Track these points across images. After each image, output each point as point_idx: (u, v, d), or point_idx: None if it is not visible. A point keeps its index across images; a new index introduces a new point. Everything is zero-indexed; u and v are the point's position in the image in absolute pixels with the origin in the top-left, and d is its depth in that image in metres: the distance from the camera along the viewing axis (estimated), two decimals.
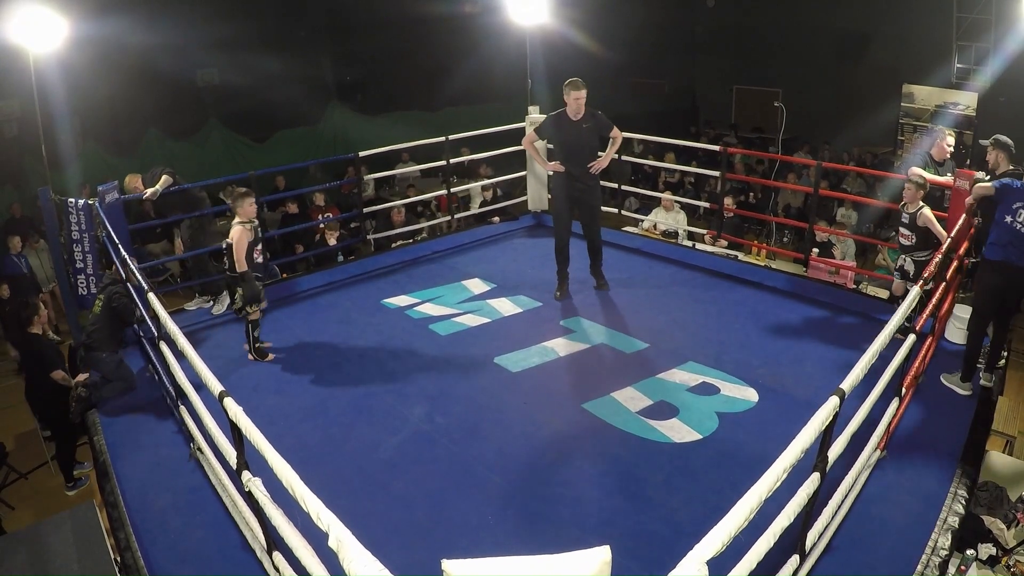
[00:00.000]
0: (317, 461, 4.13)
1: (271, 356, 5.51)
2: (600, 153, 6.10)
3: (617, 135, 6.06)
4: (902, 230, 5.36)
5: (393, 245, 7.98)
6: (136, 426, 4.79)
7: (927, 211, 5.18)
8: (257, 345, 5.44)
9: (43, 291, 9.01)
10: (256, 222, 5.35)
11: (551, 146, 6.49)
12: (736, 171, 11.05)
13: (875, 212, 9.89)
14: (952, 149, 5.75)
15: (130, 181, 6.46)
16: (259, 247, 5.39)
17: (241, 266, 5.14)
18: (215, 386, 3.07)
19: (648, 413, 4.58)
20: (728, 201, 8.12)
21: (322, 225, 8.32)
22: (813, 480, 2.82)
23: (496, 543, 3.52)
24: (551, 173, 6.24)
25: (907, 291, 5.32)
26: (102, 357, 5.09)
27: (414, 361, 5.37)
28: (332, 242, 7.93)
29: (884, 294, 7.06)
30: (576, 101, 5.78)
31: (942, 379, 4.83)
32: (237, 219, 5.25)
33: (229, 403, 2.92)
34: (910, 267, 5.35)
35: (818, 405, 2.77)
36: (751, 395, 4.75)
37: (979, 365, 4.81)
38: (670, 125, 14.03)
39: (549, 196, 8.53)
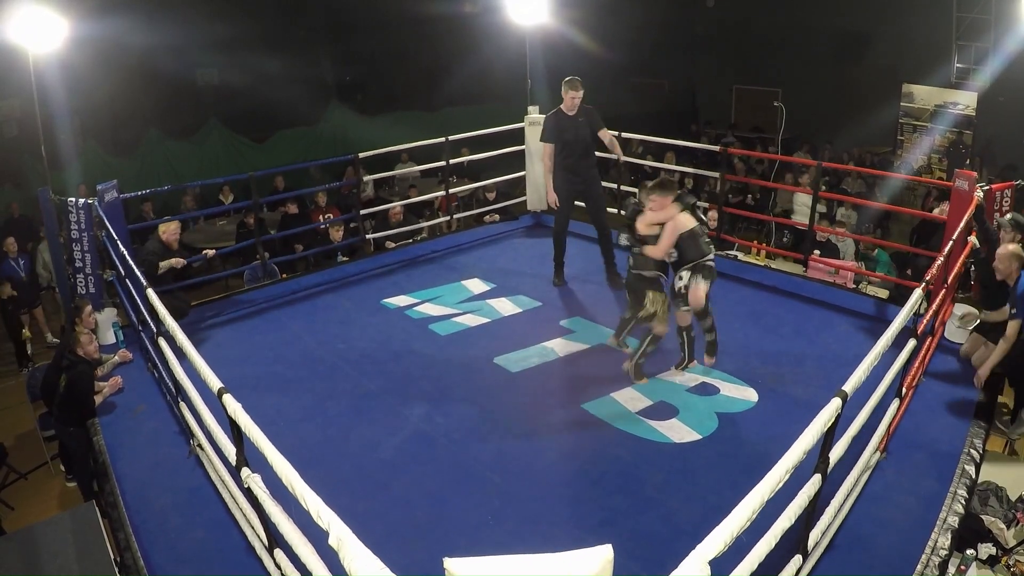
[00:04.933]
0: (317, 461, 4.11)
1: (645, 379, 4.91)
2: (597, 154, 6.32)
3: (608, 134, 6.25)
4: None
5: (387, 245, 7.95)
6: (135, 426, 4.78)
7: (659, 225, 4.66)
8: (641, 361, 4.89)
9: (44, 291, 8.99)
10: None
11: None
12: (737, 172, 11.04)
13: (875, 212, 9.88)
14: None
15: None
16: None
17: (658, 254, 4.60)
18: (214, 383, 3.07)
19: (648, 413, 4.58)
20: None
21: (324, 227, 8.30)
22: (815, 482, 2.81)
23: (496, 543, 3.52)
24: (550, 203, 6.41)
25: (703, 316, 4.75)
26: (70, 432, 4.96)
27: (414, 361, 5.36)
28: (337, 237, 7.89)
29: (884, 294, 7.08)
30: (572, 100, 6.05)
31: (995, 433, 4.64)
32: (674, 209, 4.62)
33: (228, 400, 2.92)
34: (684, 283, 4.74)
35: (818, 405, 2.77)
36: (751, 395, 4.75)
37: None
38: (670, 125, 14.01)
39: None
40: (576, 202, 6.50)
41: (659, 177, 4.92)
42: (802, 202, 9.96)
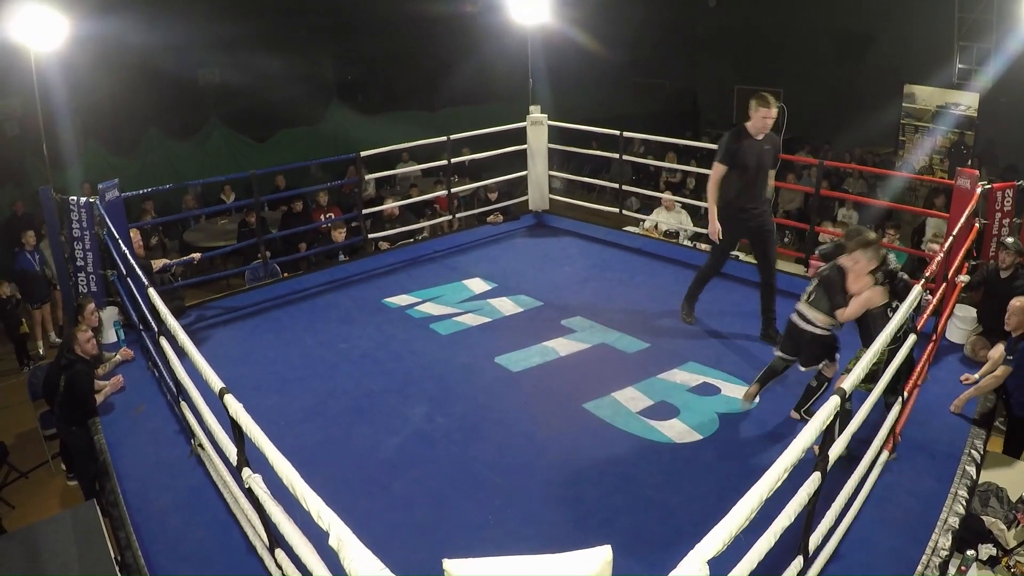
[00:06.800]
0: (317, 461, 4.12)
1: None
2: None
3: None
4: None
5: (383, 247, 7.90)
6: (136, 425, 4.79)
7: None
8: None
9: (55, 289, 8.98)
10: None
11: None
12: None
13: (876, 212, 9.88)
14: None
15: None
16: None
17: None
18: (215, 383, 3.07)
19: (649, 413, 4.58)
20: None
21: (326, 226, 8.30)
22: (814, 479, 2.81)
23: (496, 543, 3.52)
24: (712, 235, 5.34)
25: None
26: (71, 430, 4.95)
27: (415, 361, 5.37)
28: (339, 238, 7.88)
29: None
30: (764, 121, 5.06)
31: None
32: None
33: (229, 400, 2.92)
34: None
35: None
36: None
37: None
38: (671, 125, 14.00)
39: (551, 195, 8.57)
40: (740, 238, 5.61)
41: (863, 233, 4.09)
42: (936, 226, 8.62)
